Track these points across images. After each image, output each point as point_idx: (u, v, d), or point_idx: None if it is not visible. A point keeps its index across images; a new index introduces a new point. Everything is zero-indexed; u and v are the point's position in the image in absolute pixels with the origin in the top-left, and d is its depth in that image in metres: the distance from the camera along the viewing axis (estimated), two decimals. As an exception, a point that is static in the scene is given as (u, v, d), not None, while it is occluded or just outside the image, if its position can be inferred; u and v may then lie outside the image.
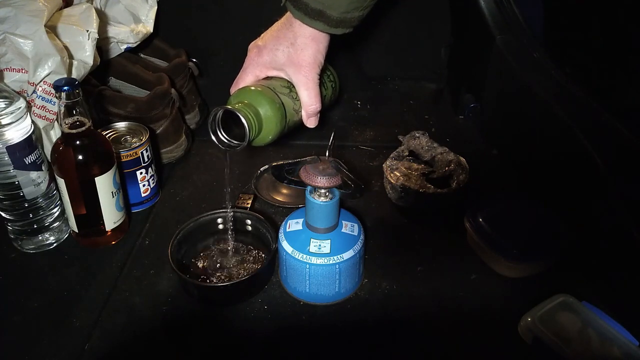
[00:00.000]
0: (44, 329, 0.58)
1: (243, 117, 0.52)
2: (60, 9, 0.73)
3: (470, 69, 0.95)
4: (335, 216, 0.58)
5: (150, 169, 0.73)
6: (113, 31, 0.82)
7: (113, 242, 0.69)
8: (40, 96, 0.68)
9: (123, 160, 0.69)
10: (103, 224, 0.66)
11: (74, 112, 0.59)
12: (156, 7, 0.88)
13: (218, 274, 0.63)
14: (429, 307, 0.61)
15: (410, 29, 0.99)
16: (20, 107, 0.60)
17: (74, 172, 0.62)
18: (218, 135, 0.55)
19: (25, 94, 0.68)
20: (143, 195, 0.74)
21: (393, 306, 0.61)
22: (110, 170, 0.64)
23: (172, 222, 0.72)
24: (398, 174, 0.75)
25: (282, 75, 0.60)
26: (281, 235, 0.60)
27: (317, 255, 0.57)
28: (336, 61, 0.99)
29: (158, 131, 0.80)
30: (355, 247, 0.59)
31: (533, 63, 0.80)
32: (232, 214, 0.65)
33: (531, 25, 0.85)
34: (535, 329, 0.54)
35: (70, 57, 0.70)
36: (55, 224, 0.68)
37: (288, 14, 0.59)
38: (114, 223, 0.67)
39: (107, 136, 0.71)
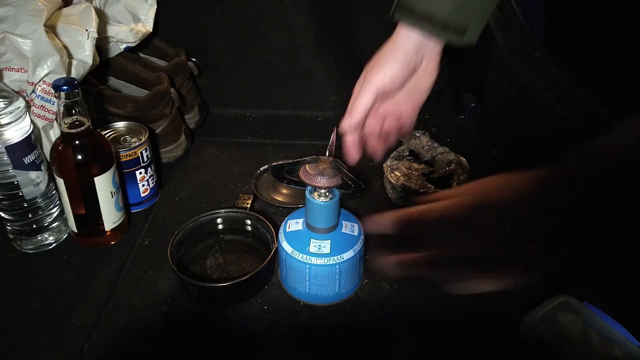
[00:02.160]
0: (43, 329, 0.58)
1: None
2: (60, 8, 0.73)
3: (470, 68, 0.95)
4: (335, 216, 0.58)
5: (149, 169, 0.73)
6: (112, 30, 0.82)
7: (112, 242, 0.68)
8: (39, 96, 0.68)
9: (122, 160, 0.69)
10: (102, 224, 0.66)
11: (73, 111, 0.59)
12: (156, 7, 0.88)
13: (217, 274, 0.63)
14: (429, 307, 0.60)
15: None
16: (19, 107, 0.60)
17: (73, 172, 0.62)
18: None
19: (25, 94, 0.68)
20: (142, 195, 0.74)
21: (393, 306, 0.60)
22: (110, 170, 0.64)
23: (171, 222, 0.72)
24: (398, 174, 0.75)
25: None
26: (281, 236, 0.60)
27: (317, 255, 0.57)
28: (336, 61, 0.99)
29: (157, 131, 0.80)
30: (355, 248, 0.58)
31: (534, 63, 0.80)
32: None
33: (532, 25, 0.84)
34: (536, 330, 0.54)
35: (70, 56, 0.70)
36: (54, 224, 0.68)
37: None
38: (113, 223, 0.67)
39: (106, 136, 0.71)
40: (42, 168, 0.64)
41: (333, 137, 0.62)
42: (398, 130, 0.63)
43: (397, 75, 0.58)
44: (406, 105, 0.62)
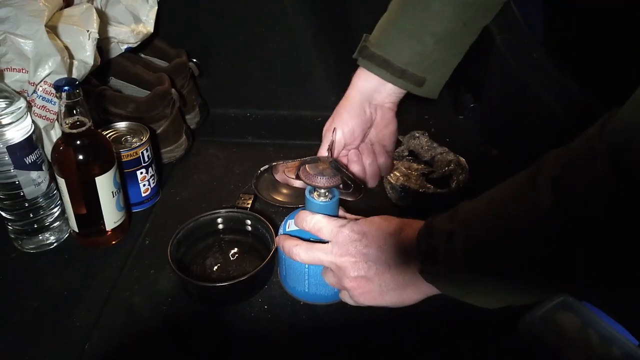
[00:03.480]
0: (44, 329, 0.58)
1: None
2: (61, 9, 0.73)
3: (470, 69, 0.95)
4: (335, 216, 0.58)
5: (150, 169, 0.73)
6: (113, 31, 0.82)
7: (113, 242, 0.69)
8: (40, 96, 0.68)
9: (123, 160, 0.69)
10: (103, 223, 0.67)
11: (75, 112, 0.60)
12: (156, 7, 0.88)
13: (217, 274, 0.63)
14: (428, 306, 0.60)
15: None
16: (20, 107, 0.60)
17: (74, 172, 0.62)
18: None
19: (26, 94, 0.68)
20: (143, 195, 0.74)
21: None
22: (111, 170, 0.64)
23: (172, 222, 0.72)
24: (398, 174, 0.75)
25: None
26: (281, 235, 0.60)
27: (317, 255, 0.57)
28: (336, 61, 1.00)
29: (158, 131, 0.80)
30: (355, 247, 0.58)
31: (533, 63, 0.80)
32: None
33: (531, 25, 0.84)
34: (535, 329, 0.54)
35: (71, 57, 0.70)
36: (55, 224, 0.68)
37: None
38: (114, 223, 0.67)
39: (107, 136, 0.71)
40: (43, 168, 0.65)
41: (333, 137, 0.62)
42: (372, 174, 0.66)
43: (354, 129, 0.62)
44: (369, 157, 0.65)
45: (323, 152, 0.63)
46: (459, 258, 0.45)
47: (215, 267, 0.65)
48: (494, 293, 0.47)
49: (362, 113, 0.62)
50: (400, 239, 0.52)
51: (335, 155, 0.62)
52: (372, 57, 0.60)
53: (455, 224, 0.46)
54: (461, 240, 0.45)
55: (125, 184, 0.71)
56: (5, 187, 0.63)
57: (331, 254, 0.52)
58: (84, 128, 0.60)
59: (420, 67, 0.60)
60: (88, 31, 0.71)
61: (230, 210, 0.70)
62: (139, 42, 0.86)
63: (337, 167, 0.55)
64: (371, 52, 0.60)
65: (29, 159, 0.62)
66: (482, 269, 0.45)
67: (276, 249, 0.61)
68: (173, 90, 0.81)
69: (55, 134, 0.71)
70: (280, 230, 0.61)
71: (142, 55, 0.92)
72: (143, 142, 0.71)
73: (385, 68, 0.60)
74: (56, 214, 0.68)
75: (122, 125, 0.73)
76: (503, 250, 0.43)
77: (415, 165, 0.77)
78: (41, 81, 0.67)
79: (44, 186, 0.65)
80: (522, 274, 0.43)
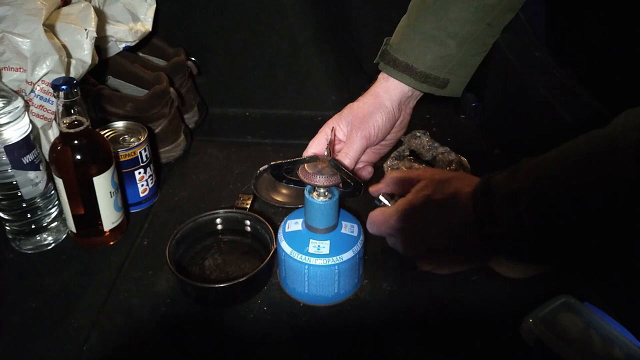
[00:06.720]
0: (42, 330, 0.58)
1: None
2: (59, 7, 0.73)
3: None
4: (335, 216, 0.58)
5: (148, 169, 0.73)
6: (111, 30, 0.82)
7: (111, 243, 0.68)
8: (38, 95, 0.68)
9: (121, 160, 0.69)
10: (101, 224, 0.66)
11: (72, 111, 0.59)
12: (155, 6, 0.87)
13: (216, 275, 0.63)
14: (429, 308, 0.60)
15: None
16: (18, 107, 0.60)
17: (72, 171, 0.62)
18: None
19: (23, 93, 0.68)
20: (141, 195, 0.74)
21: (394, 307, 0.60)
22: (109, 170, 0.64)
23: (170, 222, 0.71)
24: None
25: None
26: (280, 236, 0.60)
27: (316, 256, 0.57)
28: (336, 60, 0.99)
29: (156, 131, 0.80)
30: (355, 248, 0.58)
31: (535, 62, 0.79)
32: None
33: (532, 24, 0.84)
34: (537, 330, 0.54)
35: (69, 56, 0.69)
36: (53, 224, 0.68)
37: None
38: (112, 223, 0.67)
39: (105, 136, 0.70)
40: (41, 168, 0.64)
41: (332, 136, 0.61)
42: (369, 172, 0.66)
43: (383, 128, 0.61)
44: (369, 156, 0.65)
45: (312, 149, 0.62)
46: (524, 219, 0.42)
47: (214, 268, 0.64)
48: (551, 257, 0.45)
49: (393, 117, 0.62)
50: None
51: (356, 155, 0.61)
52: (394, 63, 0.60)
53: (518, 183, 0.43)
54: (526, 201, 0.42)
55: (123, 184, 0.71)
56: (3, 188, 0.62)
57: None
58: (81, 127, 0.60)
59: (443, 70, 0.59)
60: (86, 30, 0.70)
61: (229, 210, 0.69)
62: (137, 41, 0.85)
63: (337, 165, 0.55)
64: (393, 57, 0.60)
65: (26, 159, 0.62)
66: (547, 232, 0.42)
67: (275, 249, 0.61)
68: (171, 89, 0.80)
69: (53, 133, 0.71)
70: (280, 230, 0.60)
71: (140, 54, 0.92)
72: (141, 141, 0.70)
73: (409, 74, 0.59)
74: (54, 215, 0.67)
75: (120, 124, 0.73)
76: (573, 217, 0.40)
77: (416, 165, 0.77)
78: (39, 80, 0.67)
79: (41, 186, 0.65)
80: (590, 243, 0.41)
